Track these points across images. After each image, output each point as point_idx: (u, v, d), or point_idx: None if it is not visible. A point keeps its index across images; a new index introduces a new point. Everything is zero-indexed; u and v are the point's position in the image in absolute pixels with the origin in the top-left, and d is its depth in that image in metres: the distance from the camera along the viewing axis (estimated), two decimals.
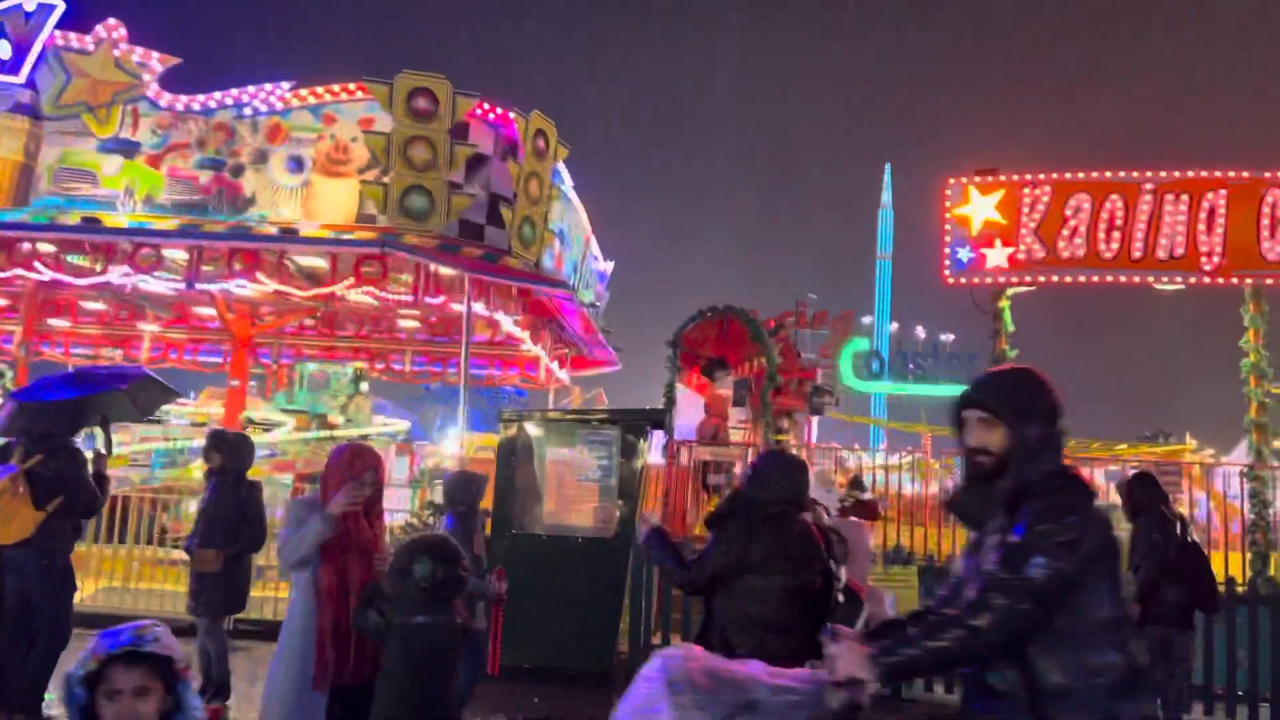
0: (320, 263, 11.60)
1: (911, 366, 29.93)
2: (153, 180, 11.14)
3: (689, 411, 13.73)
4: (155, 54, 11.44)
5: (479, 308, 11.46)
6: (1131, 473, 7.78)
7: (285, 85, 11.14)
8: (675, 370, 12.08)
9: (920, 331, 31.77)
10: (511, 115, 11.39)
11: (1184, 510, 15.57)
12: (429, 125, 10.72)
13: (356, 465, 3.94)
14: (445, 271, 11.28)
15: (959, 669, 2.47)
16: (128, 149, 11.21)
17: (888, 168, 52.11)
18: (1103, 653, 2.29)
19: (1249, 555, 9.66)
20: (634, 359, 19.78)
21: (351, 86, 11.09)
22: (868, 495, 10.77)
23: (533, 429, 9.04)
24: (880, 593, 4.55)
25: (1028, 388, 2.49)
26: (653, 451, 18.00)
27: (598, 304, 14.63)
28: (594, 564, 8.03)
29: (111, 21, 11.49)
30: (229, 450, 6.23)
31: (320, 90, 11.10)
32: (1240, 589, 8.25)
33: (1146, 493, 7.53)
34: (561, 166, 13.06)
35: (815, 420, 25.27)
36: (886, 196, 51.35)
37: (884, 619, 4.58)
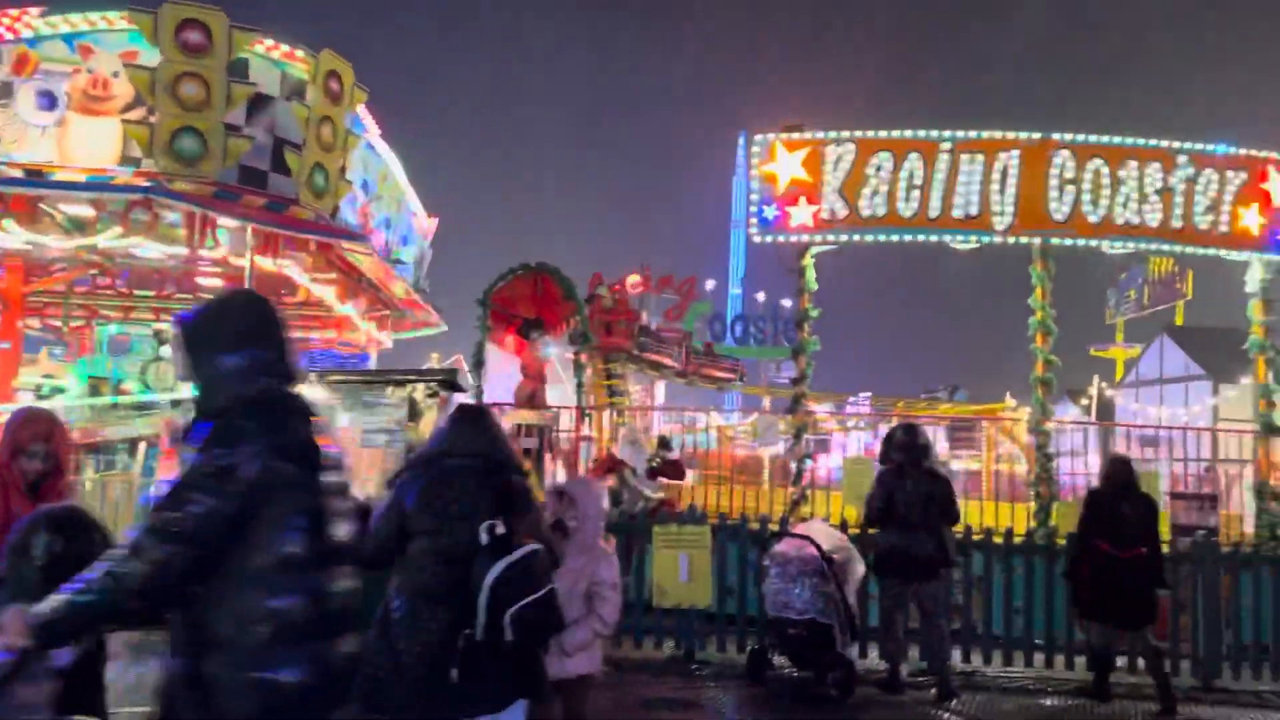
0: (88, 212, 10.50)
1: (753, 330, 30.41)
2: None
3: (509, 374, 13.30)
4: None
5: (266, 262, 10.65)
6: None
7: (34, 10, 9.94)
8: (485, 330, 11.59)
9: (761, 296, 32.29)
10: (299, 54, 10.54)
11: (988, 466, 16.16)
12: (201, 61, 9.76)
13: (24, 435, 3.38)
14: (229, 222, 10.41)
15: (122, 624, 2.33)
16: None
17: (742, 135, 52.65)
18: (276, 597, 2.17)
19: (1033, 506, 10.00)
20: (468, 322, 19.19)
21: (112, 15, 9.99)
22: (674, 454, 10.62)
23: (311, 392, 8.39)
24: (606, 553, 4.25)
25: (214, 315, 2.46)
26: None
27: (403, 261, 13.89)
28: None
29: None
30: None
31: (75, 17, 9.94)
32: (1018, 539, 8.49)
33: (886, 447, 7.68)
34: (364, 113, 12.28)
35: (663, 384, 25.37)
36: (741, 163, 51.96)
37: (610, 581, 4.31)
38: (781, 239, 10.52)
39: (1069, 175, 10.20)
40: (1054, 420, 10.88)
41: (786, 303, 31.65)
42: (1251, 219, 10.37)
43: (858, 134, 10.41)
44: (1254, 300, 10.65)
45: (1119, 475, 7.18)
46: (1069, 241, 10.25)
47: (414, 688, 3.25)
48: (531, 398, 12.57)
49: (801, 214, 10.41)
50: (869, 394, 30.72)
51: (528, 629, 3.23)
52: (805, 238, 10.51)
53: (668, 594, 8.18)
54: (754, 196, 10.56)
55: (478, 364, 11.40)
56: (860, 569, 7.53)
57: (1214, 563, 8.12)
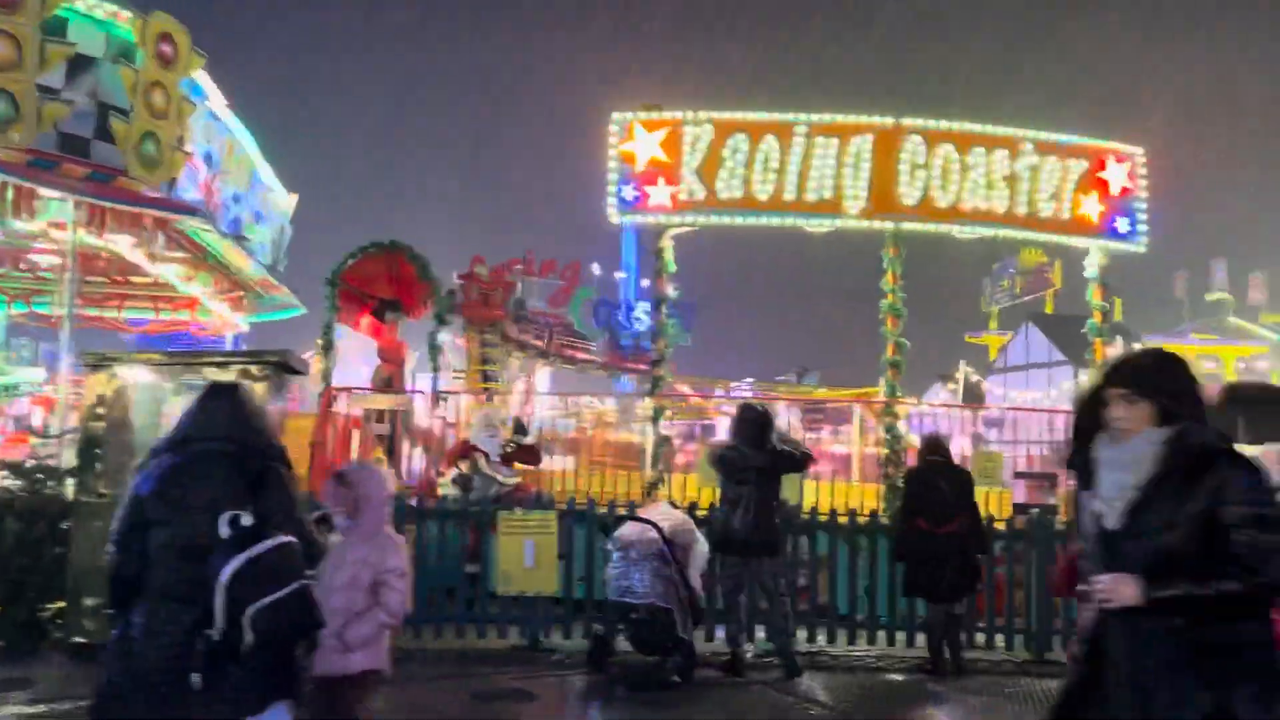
0: None
1: (638, 317, 30.31)
2: None
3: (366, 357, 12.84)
4: None
5: (92, 237, 9.94)
6: None
7: None
8: (334, 310, 11.09)
9: (645, 282, 32.19)
10: (125, 13, 9.83)
11: (859, 448, 16.40)
12: (11, 18, 9.00)
13: None
14: (48, 193, 9.66)
15: None
16: None
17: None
18: None
19: (883, 488, 10.14)
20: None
21: None
22: (530, 439, 10.39)
23: (129, 374, 7.84)
24: (392, 540, 3.99)
25: None
26: (298, 399, 16.74)
27: (246, 238, 13.21)
28: None
29: None
30: None
31: None
32: (861, 520, 8.57)
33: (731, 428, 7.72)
34: (205, 80, 11.57)
35: (548, 370, 25.03)
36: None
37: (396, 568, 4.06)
38: (640, 219, 10.38)
39: (919, 160, 10.36)
40: (911, 402, 11.08)
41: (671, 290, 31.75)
42: (1091, 207, 10.74)
43: (715, 115, 10.35)
44: (1093, 285, 11.04)
45: (932, 453, 7.34)
46: (920, 226, 10.42)
47: (152, 697, 2.94)
48: (389, 382, 12.14)
49: (660, 194, 10.29)
50: (752, 379, 31.07)
51: (270, 630, 2.95)
52: (664, 218, 10.39)
53: (513, 581, 7.95)
54: (612, 176, 10.38)
55: (327, 346, 10.91)
56: (704, 550, 7.46)
57: (1046, 539, 8.36)
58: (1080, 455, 2.74)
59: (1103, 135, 10.97)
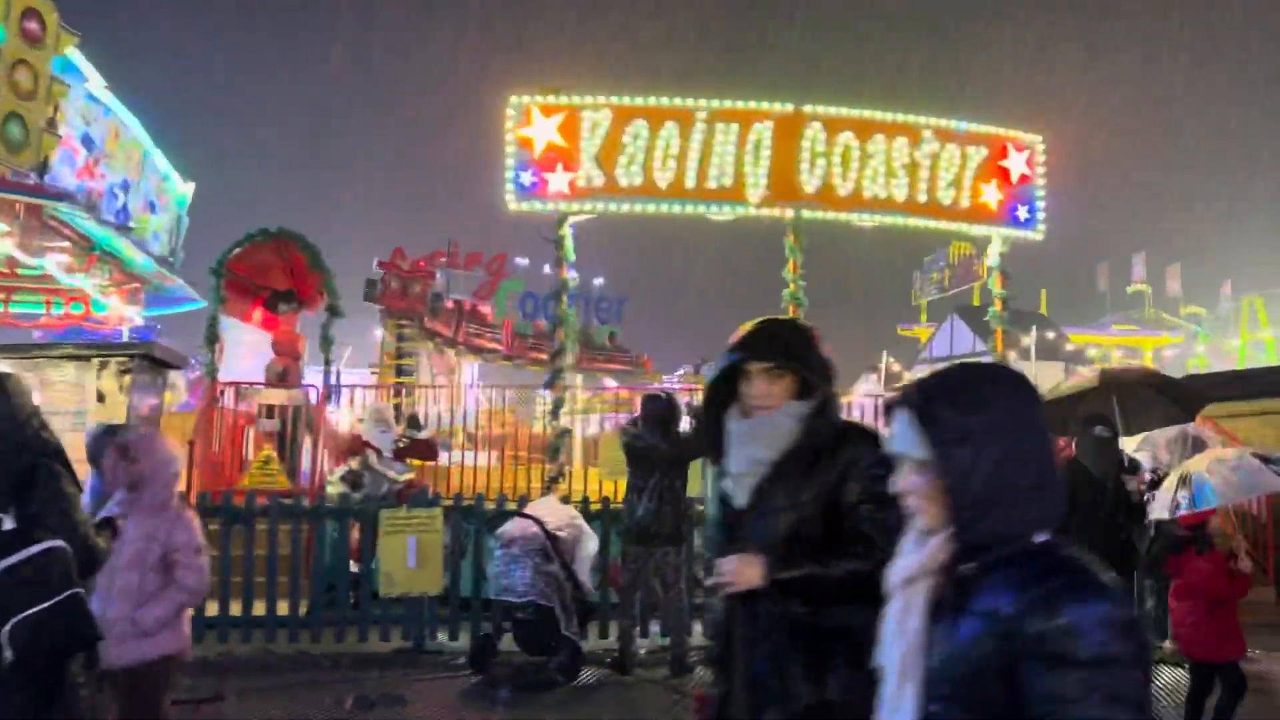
0: None
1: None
2: None
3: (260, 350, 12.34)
4: None
5: None
6: None
7: None
8: (219, 301, 10.61)
9: (573, 274, 31.73)
10: None
11: None
12: None
13: None
14: None
15: None
16: None
17: None
18: None
19: None
20: None
21: None
22: (424, 434, 10.07)
23: None
24: (181, 515, 3.72)
25: None
26: (184, 393, 16.13)
27: (130, 228, 12.64)
28: None
29: None
30: None
31: None
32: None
33: None
34: (80, 60, 10.98)
35: (475, 364, 24.62)
36: None
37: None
38: (539, 206, 10.11)
39: (820, 148, 10.26)
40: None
41: (599, 281, 31.60)
42: (991, 194, 10.76)
43: (614, 99, 10.11)
44: (994, 273, 11.07)
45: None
46: (820, 214, 10.32)
47: None
48: (283, 376, 11.69)
49: (558, 181, 10.04)
50: (684, 369, 31.00)
51: (30, 646, 2.66)
52: (562, 205, 10.14)
53: (396, 582, 7.66)
54: (509, 162, 10.09)
55: (211, 339, 10.43)
56: (592, 546, 7.27)
57: None
58: (712, 430, 2.50)
59: (1004, 123, 10.98)
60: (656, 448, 7.21)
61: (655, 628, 7.90)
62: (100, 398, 7.31)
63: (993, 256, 11.09)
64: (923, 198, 10.53)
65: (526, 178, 10.03)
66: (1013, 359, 31.29)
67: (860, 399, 14.02)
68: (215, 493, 8.36)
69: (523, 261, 31.39)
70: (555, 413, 10.02)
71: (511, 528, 7.00)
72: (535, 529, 6.84)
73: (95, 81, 11.42)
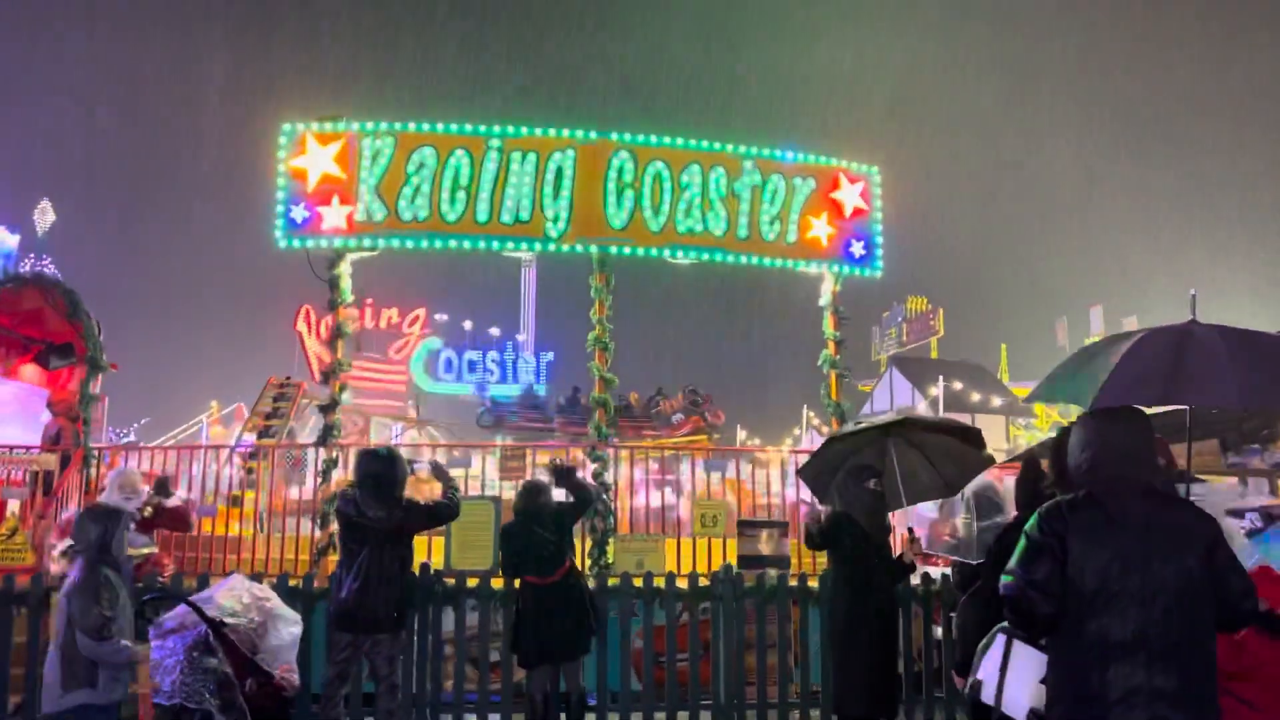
0: None
1: (488, 370, 28.89)
2: None
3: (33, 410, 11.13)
4: None
5: None
6: None
7: None
8: None
9: (495, 330, 30.84)
10: None
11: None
12: None
13: None
14: None
15: None
16: None
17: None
18: None
19: (589, 542, 8.94)
20: None
21: None
22: (175, 501, 8.86)
23: None
24: None
25: None
26: None
27: None
28: None
29: None
30: None
31: None
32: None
33: None
34: None
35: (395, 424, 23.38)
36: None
37: None
38: (310, 244, 9.10)
39: (628, 179, 9.38)
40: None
41: (521, 337, 30.59)
42: (821, 229, 9.91)
43: (397, 127, 9.19)
44: (826, 314, 10.17)
45: (520, 502, 6.29)
46: (629, 251, 9.39)
47: None
48: (57, 439, 10.48)
49: (334, 216, 9.05)
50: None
51: None
52: (339, 242, 9.14)
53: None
54: (280, 195, 9.09)
55: None
56: (290, 630, 6.11)
57: (734, 598, 7.27)
58: None
59: (837, 153, 10.18)
60: (361, 515, 6.15)
61: None
62: None
63: (825, 295, 10.19)
64: (743, 232, 9.64)
65: (299, 212, 9.04)
66: (922, 409, 30.51)
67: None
68: None
69: (441, 317, 30.37)
70: (325, 476, 8.89)
71: (169, 617, 5.83)
72: (193, 617, 5.68)
73: None
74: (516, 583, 6.60)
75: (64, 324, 10.54)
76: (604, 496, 8.92)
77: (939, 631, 7.36)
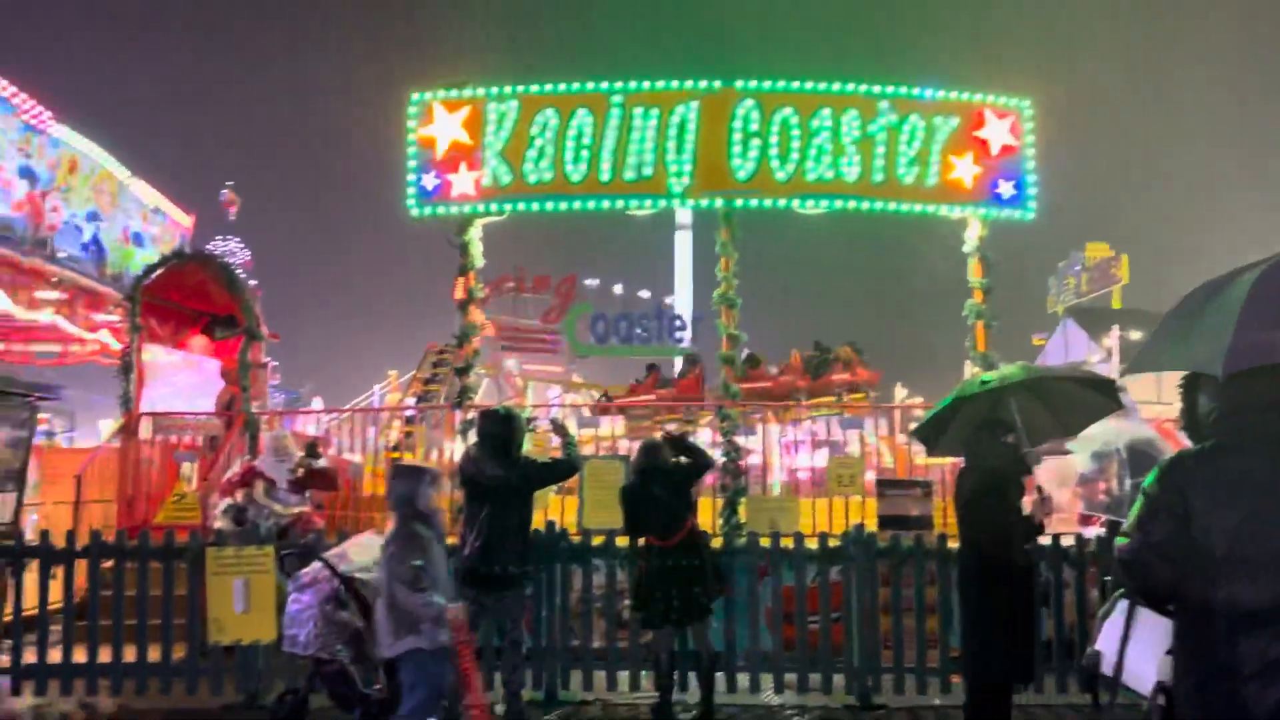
0: None
1: (639, 331, 29.06)
2: None
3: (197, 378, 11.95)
4: None
5: None
6: None
7: None
8: (136, 329, 10.19)
9: (645, 293, 30.98)
10: None
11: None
12: None
13: None
14: None
15: None
16: None
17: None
18: None
19: (719, 502, 8.81)
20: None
21: None
22: (323, 463, 9.31)
23: None
24: None
25: None
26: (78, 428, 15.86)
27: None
28: None
29: None
30: None
31: None
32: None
33: None
34: (9, 93, 10.86)
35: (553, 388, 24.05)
36: None
37: None
38: (442, 211, 9.29)
39: (754, 128, 9.05)
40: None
41: (671, 299, 30.62)
42: (965, 170, 9.28)
43: (520, 90, 9.20)
44: (971, 260, 9.55)
45: (639, 461, 6.15)
46: (755, 203, 9.09)
47: None
48: (230, 405, 11.22)
49: (463, 182, 9.19)
50: None
51: None
52: (468, 209, 9.28)
53: (226, 629, 6.88)
54: (411, 165, 9.30)
55: (126, 369, 10.02)
56: None
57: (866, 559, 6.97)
58: None
59: (980, 87, 9.48)
60: (483, 473, 6.25)
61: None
62: None
63: (970, 241, 9.56)
64: (879, 177, 9.15)
65: (429, 181, 9.22)
66: (1096, 362, 28.36)
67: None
68: (131, 529, 7.83)
69: (592, 283, 30.80)
70: (464, 435, 9.10)
71: (306, 572, 6.11)
72: (326, 573, 5.93)
73: (34, 114, 11.29)
74: (641, 542, 6.57)
75: (226, 297, 11.25)
76: (732, 454, 8.76)
77: (1095, 595, 6.83)
